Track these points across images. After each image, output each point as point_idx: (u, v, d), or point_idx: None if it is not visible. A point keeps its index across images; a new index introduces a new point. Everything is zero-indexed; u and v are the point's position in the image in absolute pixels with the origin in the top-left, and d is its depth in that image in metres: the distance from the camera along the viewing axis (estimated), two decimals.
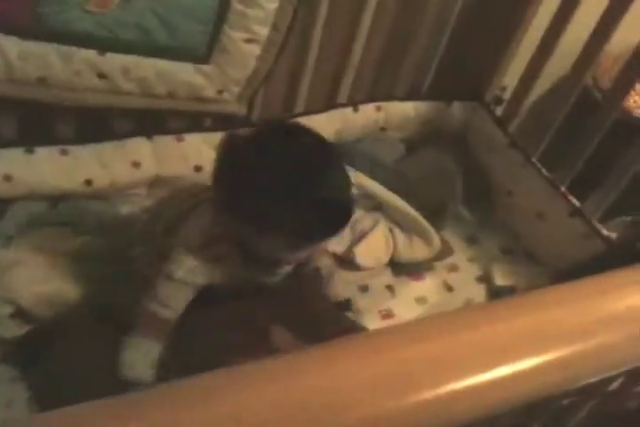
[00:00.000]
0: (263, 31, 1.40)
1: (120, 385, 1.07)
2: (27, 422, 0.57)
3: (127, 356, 1.09)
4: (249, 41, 1.40)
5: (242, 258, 1.12)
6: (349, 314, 1.39)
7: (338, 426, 0.58)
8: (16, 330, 1.21)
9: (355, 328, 1.33)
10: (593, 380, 0.73)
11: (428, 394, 0.60)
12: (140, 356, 1.09)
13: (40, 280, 1.25)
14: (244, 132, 1.05)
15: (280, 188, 0.97)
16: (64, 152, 1.41)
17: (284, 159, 1.00)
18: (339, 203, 1.02)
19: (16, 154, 1.36)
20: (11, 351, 1.21)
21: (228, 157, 1.05)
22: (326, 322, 1.27)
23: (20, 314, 1.23)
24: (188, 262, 1.09)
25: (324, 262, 1.34)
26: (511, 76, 1.76)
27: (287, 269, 1.21)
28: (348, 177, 1.06)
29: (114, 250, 1.34)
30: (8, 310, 1.21)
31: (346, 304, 1.38)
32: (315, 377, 0.61)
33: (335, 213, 1.01)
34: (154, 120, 1.51)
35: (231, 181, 1.04)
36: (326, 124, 1.67)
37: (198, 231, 1.10)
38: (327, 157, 1.04)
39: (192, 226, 1.12)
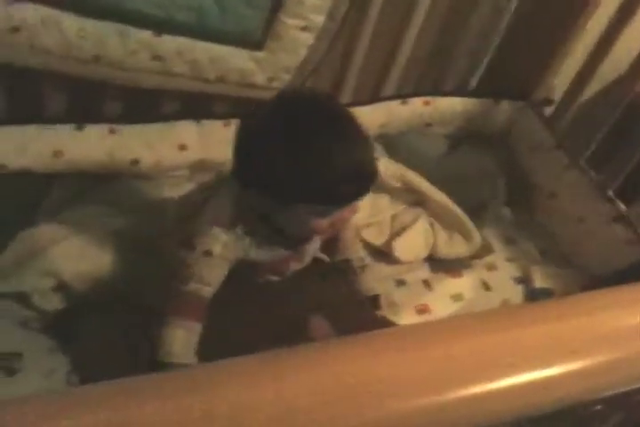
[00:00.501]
0: (318, 19, 1.39)
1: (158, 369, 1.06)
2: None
3: (166, 336, 1.06)
4: (304, 29, 1.40)
5: (268, 234, 1.12)
6: (378, 311, 1.37)
7: (376, 417, 0.58)
8: (57, 303, 1.22)
9: (380, 324, 1.32)
10: (622, 390, 0.72)
11: (458, 393, 0.60)
12: (182, 337, 1.07)
13: (82, 257, 1.26)
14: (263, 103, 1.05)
15: (302, 153, 0.98)
16: (112, 131, 1.42)
17: (305, 125, 1.00)
18: (363, 164, 1.03)
19: (66, 130, 1.37)
20: (50, 323, 1.22)
21: (249, 127, 1.05)
22: (350, 316, 1.27)
23: (61, 288, 1.24)
24: (222, 237, 1.08)
25: (357, 255, 1.34)
26: (561, 78, 1.74)
27: (315, 246, 1.21)
28: (369, 141, 1.07)
29: (152, 234, 1.35)
30: (51, 283, 1.23)
31: (374, 301, 1.37)
32: (356, 366, 0.61)
33: (360, 175, 1.02)
34: (202, 104, 1.52)
35: (253, 152, 1.04)
36: (372, 116, 1.67)
37: (226, 207, 1.10)
38: (347, 120, 1.04)
39: (220, 203, 1.12)
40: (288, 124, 1.00)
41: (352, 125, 1.04)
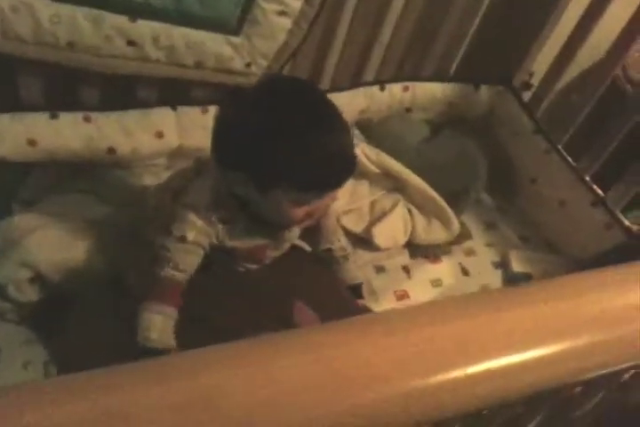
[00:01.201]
0: (296, 4, 1.38)
1: (139, 354, 1.06)
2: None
3: (145, 323, 1.08)
4: (281, 14, 1.38)
5: (246, 222, 1.12)
6: (360, 300, 1.38)
7: (364, 400, 0.58)
8: (32, 295, 1.21)
9: (361, 313, 1.32)
10: (607, 371, 0.72)
11: (443, 377, 0.60)
12: (159, 322, 1.08)
13: (59, 247, 1.25)
14: (244, 88, 1.07)
15: (283, 138, 0.99)
16: (88, 119, 1.39)
17: (287, 110, 1.00)
18: (343, 151, 1.03)
19: (41, 118, 1.35)
20: (27, 314, 1.21)
21: (230, 112, 1.05)
22: (331, 305, 1.26)
23: (37, 279, 1.23)
24: (198, 223, 1.09)
25: (340, 244, 1.34)
26: (541, 62, 1.73)
27: (294, 234, 1.21)
28: (349, 128, 1.08)
29: (133, 222, 1.34)
30: (27, 274, 1.21)
31: (356, 290, 1.37)
32: (343, 351, 0.61)
33: (339, 162, 1.03)
34: (179, 90, 1.50)
35: (234, 136, 1.04)
36: (352, 101, 1.66)
37: (204, 193, 1.11)
38: (328, 107, 1.05)
39: (198, 188, 1.12)
40: (270, 109, 1.01)
41: (332, 112, 1.04)
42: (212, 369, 0.56)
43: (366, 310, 1.35)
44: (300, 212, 1.06)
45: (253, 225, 1.13)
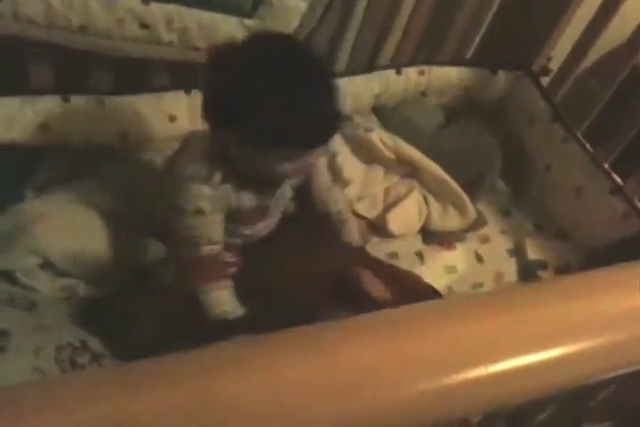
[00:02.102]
0: None
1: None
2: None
3: (214, 301, 1.12)
4: None
5: (241, 181, 1.13)
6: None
7: (377, 402, 0.57)
8: (48, 282, 1.21)
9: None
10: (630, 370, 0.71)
11: (456, 378, 0.58)
12: (225, 296, 1.13)
13: (69, 234, 1.24)
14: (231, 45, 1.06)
15: (270, 95, 0.99)
16: (100, 102, 1.38)
17: (275, 67, 1.01)
18: (328, 110, 1.04)
19: (53, 102, 1.33)
20: (39, 300, 1.21)
21: (219, 70, 1.05)
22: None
23: (48, 266, 1.22)
24: (205, 192, 1.09)
25: (337, 207, 1.34)
26: (561, 47, 1.70)
27: (287, 192, 1.23)
28: (335, 87, 1.07)
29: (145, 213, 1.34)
30: (36, 261, 1.20)
31: (362, 252, 1.39)
32: (357, 351, 0.60)
33: (325, 120, 1.03)
34: (191, 74, 1.48)
35: (222, 93, 1.04)
36: (367, 85, 1.65)
37: (198, 160, 1.11)
38: (315, 65, 1.06)
39: (191, 158, 1.13)
40: (258, 66, 1.02)
41: (319, 71, 1.06)
42: (215, 372, 0.55)
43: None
44: (287, 167, 1.06)
45: (246, 184, 1.14)
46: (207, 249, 1.12)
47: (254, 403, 0.54)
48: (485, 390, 0.59)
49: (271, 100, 0.99)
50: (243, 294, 1.16)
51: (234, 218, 1.17)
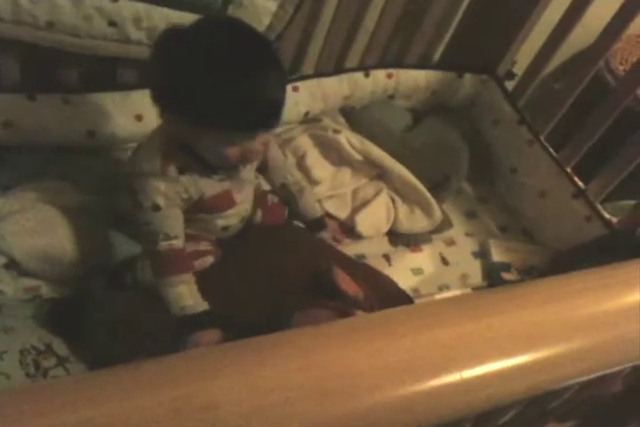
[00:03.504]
0: None
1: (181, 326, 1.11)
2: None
3: (174, 296, 1.12)
4: None
5: (200, 169, 1.13)
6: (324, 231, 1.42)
7: (356, 408, 0.57)
8: (11, 282, 1.19)
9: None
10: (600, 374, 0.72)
11: (428, 384, 0.59)
12: (186, 290, 1.12)
13: (34, 233, 1.22)
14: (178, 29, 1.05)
15: (215, 78, 0.99)
16: (66, 101, 1.36)
17: (219, 50, 1.01)
18: (273, 94, 1.04)
19: (17, 100, 1.31)
20: (6, 302, 1.19)
21: (164, 53, 1.05)
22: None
23: (13, 266, 1.20)
24: (161, 187, 1.10)
25: (293, 178, 1.36)
26: (526, 52, 1.72)
27: (248, 172, 1.22)
28: (281, 71, 1.09)
29: (111, 209, 1.33)
30: (1, 260, 1.19)
31: (319, 222, 1.41)
32: (332, 357, 0.60)
33: (268, 104, 1.03)
34: None
35: (168, 76, 1.04)
36: (336, 87, 1.65)
37: (153, 153, 1.11)
38: (262, 48, 1.05)
39: (146, 152, 1.13)
40: (202, 49, 1.01)
41: (266, 54, 1.05)
42: (193, 377, 0.54)
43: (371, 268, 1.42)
44: (233, 151, 1.06)
45: (206, 170, 1.14)
46: (165, 244, 1.12)
47: (231, 407, 0.54)
48: (460, 396, 0.60)
49: (211, 82, 0.99)
50: (221, 291, 1.17)
51: (201, 208, 1.18)
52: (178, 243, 1.13)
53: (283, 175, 1.35)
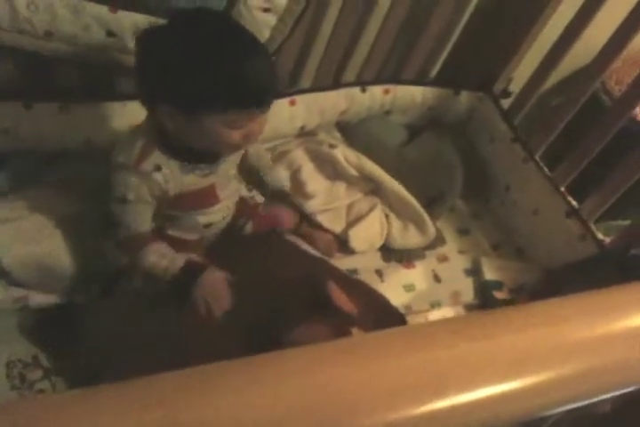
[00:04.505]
0: (282, 1, 1.35)
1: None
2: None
3: (147, 267, 1.18)
4: (266, 10, 1.35)
5: (182, 163, 1.14)
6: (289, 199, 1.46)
7: None
8: (1, 291, 1.18)
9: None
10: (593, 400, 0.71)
11: (419, 409, 0.58)
12: (154, 257, 1.17)
13: (27, 241, 1.21)
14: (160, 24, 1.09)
15: (204, 60, 1.01)
16: (63, 109, 1.36)
17: (207, 36, 1.03)
18: (264, 71, 1.06)
19: (14, 108, 1.30)
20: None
21: (150, 45, 1.07)
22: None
23: (4, 275, 1.19)
24: (132, 180, 1.11)
25: (266, 157, 1.39)
26: (523, 70, 1.73)
27: (230, 166, 1.24)
28: (267, 52, 1.12)
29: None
30: None
31: (282, 192, 1.43)
32: (327, 378, 0.59)
33: (261, 80, 1.05)
34: None
35: (156, 66, 1.06)
36: (333, 102, 1.66)
37: (131, 146, 1.12)
38: (245, 32, 1.08)
39: (125, 145, 1.14)
40: (189, 36, 1.03)
41: (249, 37, 1.08)
42: (184, 395, 0.54)
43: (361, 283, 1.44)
44: (235, 135, 1.07)
45: (189, 164, 1.15)
46: (126, 232, 1.16)
47: (223, 425, 0.53)
48: (453, 419, 0.59)
49: (206, 65, 1.01)
50: None
51: (182, 204, 1.19)
52: (142, 229, 1.17)
53: (258, 158, 1.37)
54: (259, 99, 1.06)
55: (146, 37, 1.07)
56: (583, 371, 0.65)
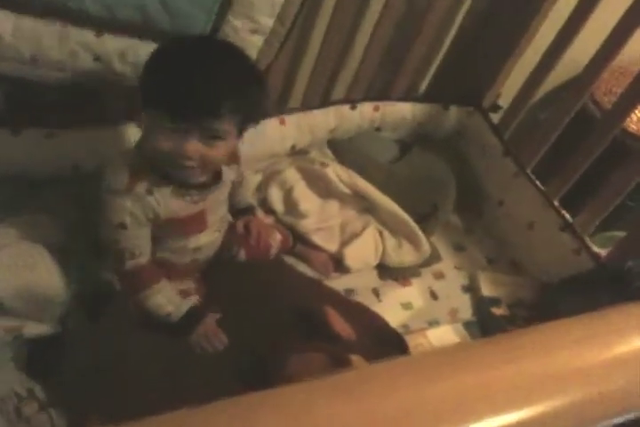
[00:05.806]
0: (268, 22, 1.35)
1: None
2: None
3: (154, 307, 1.16)
4: (253, 31, 1.35)
5: (173, 187, 1.13)
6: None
7: None
8: None
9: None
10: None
11: None
12: (163, 298, 1.17)
13: (18, 269, 1.19)
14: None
15: (171, 67, 1.05)
16: (50, 136, 1.35)
17: (190, 50, 1.07)
18: (210, 84, 1.04)
19: (1, 135, 1.29)
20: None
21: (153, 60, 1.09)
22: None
23: None
24: (127, 205, 1.10)
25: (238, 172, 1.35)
26: (512, 84, 1.73)
27: (222, 191, 1.23)
28: (252, 67, 1.15)
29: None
30: None
31: (249, 210, 1.40)
32: (327, 414, 0.57)
33: (202, 92, 1.03)
34: None
35: (154, 75, 1.08)
36: (322, 120, 1.65)
37: (121, 171, 1.11)
38: (232, 55, 1.11)
39: (114, 170, 1.12)
40: (174, 51, 1.08)
41: (238, 63, 1.10)
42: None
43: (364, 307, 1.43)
44: (189, 146, 1.04)
45: (179, 188, 1.14)
46: (131, 263, 1.14)
47: None
48: None
49: (170, 70, 1.04)
50: None
51: (171, 229, 1.18)
52: (145, 258, 1.16)
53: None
54: (186, 108, 1.03)
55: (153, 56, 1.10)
56: (589, 398, 0.63)
